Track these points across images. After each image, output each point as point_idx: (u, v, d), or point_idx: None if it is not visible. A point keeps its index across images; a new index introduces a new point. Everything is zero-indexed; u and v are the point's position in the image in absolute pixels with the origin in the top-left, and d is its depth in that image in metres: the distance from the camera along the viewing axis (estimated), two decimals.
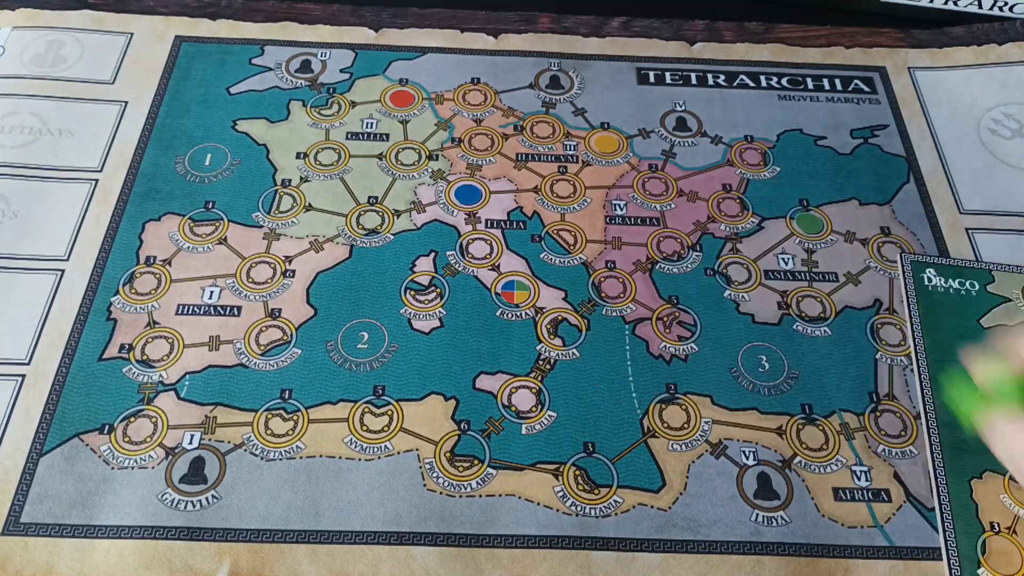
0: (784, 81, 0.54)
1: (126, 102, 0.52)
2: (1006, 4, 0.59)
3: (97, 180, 0.48)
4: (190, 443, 0.39)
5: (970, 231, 0.48)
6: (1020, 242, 0.48)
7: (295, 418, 0.40)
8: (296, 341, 0.41)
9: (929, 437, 0.39)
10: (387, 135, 0.48)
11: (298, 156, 0.48)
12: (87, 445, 0.39)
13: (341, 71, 0.53)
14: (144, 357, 0.42)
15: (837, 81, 0.54)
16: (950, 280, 0.44)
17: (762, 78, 0.54)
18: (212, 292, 0.43)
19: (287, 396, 0.40)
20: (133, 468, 0.38)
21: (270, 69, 0.53)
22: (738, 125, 0.50)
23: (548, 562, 0.37)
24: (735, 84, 0.54)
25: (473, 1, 0.58)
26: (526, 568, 0.37)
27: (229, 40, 0.55)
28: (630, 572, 0.37)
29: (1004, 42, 0.57)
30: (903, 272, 0.45)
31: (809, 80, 0.54)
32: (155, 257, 0.45)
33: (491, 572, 0.37)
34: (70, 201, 0.47)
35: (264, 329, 0.42)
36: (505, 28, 0.57)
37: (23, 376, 0.41)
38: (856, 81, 0.55)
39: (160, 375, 0.41)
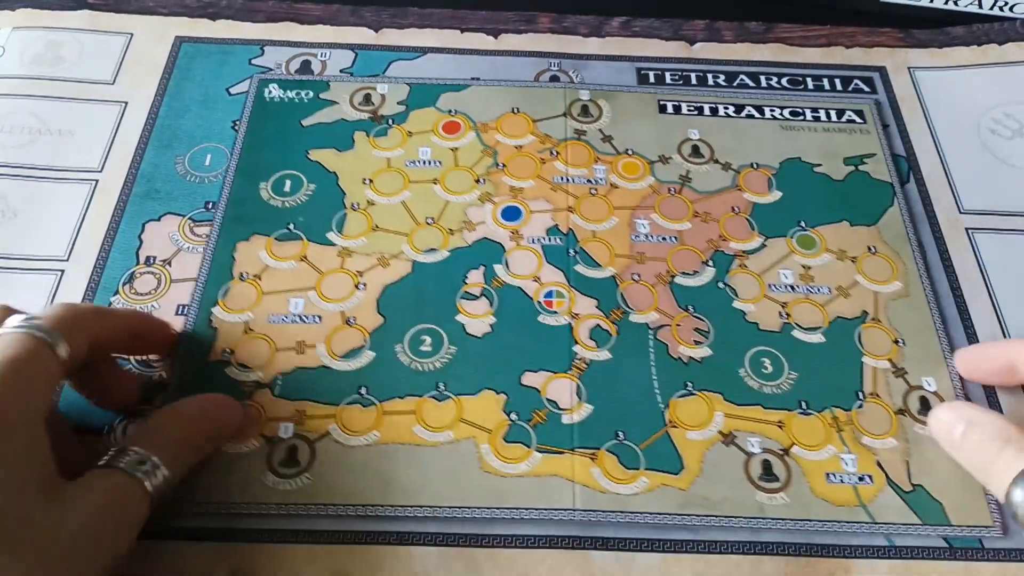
0: (784, 81, 0.55)
1: (126, 102, 0.52)
2: (1006, 4, 0.59)
3: (97, 180, 0.48)
4: None
5: (970, 231, 0.48)
6: (1021, 242, 0.48)
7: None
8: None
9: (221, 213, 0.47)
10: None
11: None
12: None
13: (341, 71, 0.53)
14: (144, 358, 0.42)
15: (837, 81, 0.55)
16: (287, 91, 0.51)
17: (762, 78, 0.55)
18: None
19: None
20: None
21: (270, 69, 0.53)
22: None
23: (548, 562, 0.37)
24: (735, 84, 0.54)
25: (473, 1, 0.58)
26: (526, 568, 0.37)
27: (229, 40, 0.55)
28: (630, 572, 0.37)
29: (1004, 42, 0.57)
30: (249, 89, 0.51)
31: (809, 80, 0.55)
32: (155, 257, 0.45)
33: (491, 572, 0.37)
34: (70, 201, 0.47)
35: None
36: (505, 28, 0.57)
37: None
38: (856, 81, 0.55)
39: (160, 376, 0.41)
